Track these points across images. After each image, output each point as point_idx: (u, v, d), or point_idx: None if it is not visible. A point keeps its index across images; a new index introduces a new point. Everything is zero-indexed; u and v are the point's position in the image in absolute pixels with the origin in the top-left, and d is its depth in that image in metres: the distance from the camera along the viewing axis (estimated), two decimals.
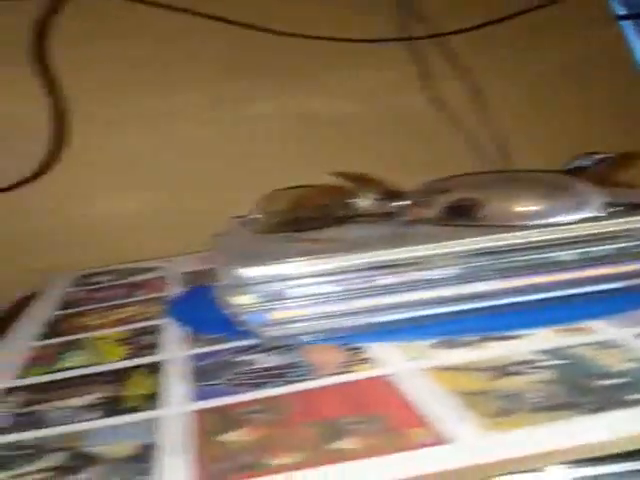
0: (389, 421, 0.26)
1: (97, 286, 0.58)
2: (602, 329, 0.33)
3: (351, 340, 0.35)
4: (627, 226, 0.38)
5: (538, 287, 0.37)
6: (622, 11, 0.83)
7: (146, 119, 0.71)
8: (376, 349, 0.34)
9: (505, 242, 0.36)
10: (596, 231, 0.38)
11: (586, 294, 0.37)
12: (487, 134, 0.76)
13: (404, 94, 0.76)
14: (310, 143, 0.75)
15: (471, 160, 0.76)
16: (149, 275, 0.59)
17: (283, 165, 0.71)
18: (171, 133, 0.72)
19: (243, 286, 0.36)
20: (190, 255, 0.65)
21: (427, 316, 0.36)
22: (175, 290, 0.52)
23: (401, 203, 0.42)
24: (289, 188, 0.48)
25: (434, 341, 0.34)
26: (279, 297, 0.36)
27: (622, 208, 0.39)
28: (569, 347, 0.31)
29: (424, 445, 0.24)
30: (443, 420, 0.26)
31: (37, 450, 0.28)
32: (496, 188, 0.41)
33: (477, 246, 0.36)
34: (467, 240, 0.36)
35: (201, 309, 0.45)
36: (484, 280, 0.36)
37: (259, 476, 0.24)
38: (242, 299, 0.35)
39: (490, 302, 0.36)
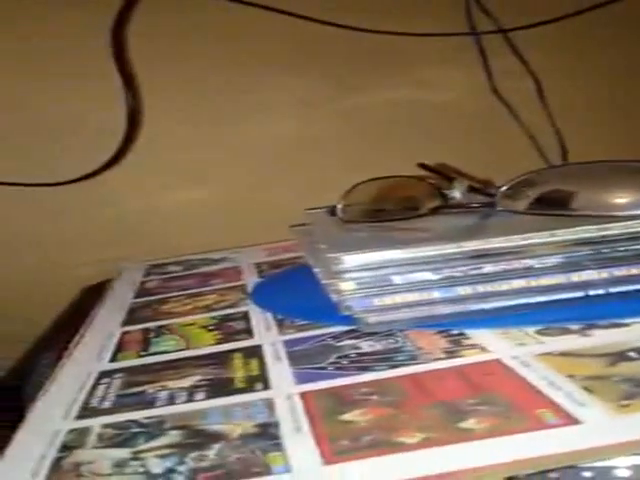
0: (513, 402, 0.26)
1: (170, 275, 0.58)
2: None
3: (452, 326, 0.35)
4: None
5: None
6: None
7: (219, 115, 0.72)
8: (479, 336, 0.34)
9: (607, 232, 0.36)
10: None
11: None
12: (549, 132, 0.76)
13: (471, 90, 0.75)
14: (368, 141, 0.75)
15: (534, 158, 0.75)
16: (221, 265, 0.60)
17: (350, 163, 0.71)
18: (242, 129, 0.72)
19: (346, 272, 0.36)
20: (256, 247, 0.65)
21: (528, 304, 0.35)
22: (251, 279, 0.52)
23: (493, 193, 0.42)
24: (376, 178, 0.48)
25: (536, 329, 0.34)
26: (382, 284, 0.36)
27: None
28: None
29: (554, 425, 0.24)
30: (568, 402, 0.25)
31: (154, 428, 0.28)
32: (590, 178, 0.41)
33: (580, 236, 0.36)
34: (569, 230, 0.36)
35: (286, 296, 0.45)
36: (585, 269, 0.36)
37: (389, 453, 0.23)
38: (345, 285, 0.35)
39: (591, 291, 0.36)
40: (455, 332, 0.34)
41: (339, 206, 0.48)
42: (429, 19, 0.73)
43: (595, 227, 0.36)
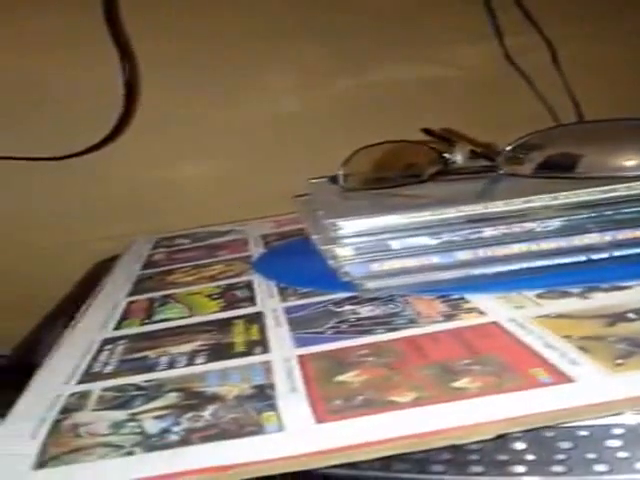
0: (507, 362, 0.26)
1: (177, 248, 0.59)
2: None
3: (452, 291, 0.35)
4: None
5: None
6: None
7: (221, 89, 0.71)
8: (479, 300, 0.34)
9: (611, 194, 0.35)
10: None
11: None
12: (566, 100, 0.75)
13: (484, 60, 0.75)
14: (392, 108, 0.74)
15: (548, 120, 0.74)
16: (228, 237, 0.60)
17: (361, 129, 0.71)
18: (246, 101, 0.72)
19: (343, 238, 0.36)
20: (263, 219, 0.65)
21: (529, 268, 0.35)
22: (257, 250, 0.53)
23: (496, 158, 0.42)
24: (376, 144, 0.47)
25: (537, 292, 0.33)
26: (380, 249, 0.36)
27: None
28: None
29: (547, 384, 0.24)
30: (563, 361, 0.25)
31: (152, 391, 0.28)
32: (595, 140, 0.40)
33: (583, 198, 0.35)
34: (571, 192, 0.35)
35: (289, 265, 0.45)
36: (587, 233, 0.36)
37: (381, 412, 0.24)
38: (343, 251, 0.35)
39: (593, 255, 0.35)
40: (455, 296, 0.34)
41: (339, 174, 0.48)
42: None
43: (598, 189, 0.36)
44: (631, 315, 0.29)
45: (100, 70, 0.67)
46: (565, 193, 0.36)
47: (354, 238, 0.36)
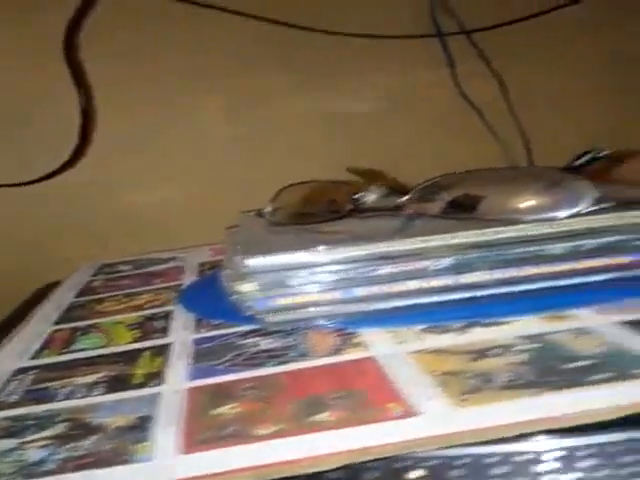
0: (369, 397, 0.28)
1: (117, 275, 0.60)
2: (585, 317, 0.35)
3: (347, 326, 0.37)
4: (616, 222, 0.39)
5: (529, 278, 0.38)
6: None
7: (172, 115, 0.74)
8: (370, 334, 0.36)
9: (501, 236, 0.38)
10: (587, 226, 0.39)
11: (575, 285, 0.39)
12: (511, 129, 0.77)
13: (430, 90, 0.77)
14: (329, 140, 0.77)
15: (498, 155, 0.77)
16: (167, 265, 0.62)
17: (301, 161, 0.73)
18: (194, 129, 0.74)
19: (247, 274, 0.38)
20: (207, 246, 0.67)
21: (421, 304, 0.38)
22: (190, 279, 0.54)
23: (406, 198, 0.44)
24: (303, 183, 0.50)
25: (425, 327, 0.36)
26: (280, 285, 0.38)
27: (613, 204, 0.40)
28: (549, 333, 0.33)
29: (396, 417, 0.26)
30: (416, 396, 0.28)
31: (44, 421, 0.30)
32: (495, 184, 0.43)
33: (474, 239, 0.38)
34: (461, 233, 0.38)
35: (209, 297, 0.47)
36: (477, 271, 0.38)
37: (243, 443, 0.26)
38: (247, 287, 0.38)
39: (481, 292, 0.38)
40: (349, 331, 0.37)
41: (267, 209, 0.50)
42: (392, 21, 0.75)
43: (491, 230, 0.38)
44: (496, 351, 0.31)
45: (58, 97, 0.69)
46: (460, 233, 0.38)
47: (260, 274, 0.38)
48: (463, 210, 0.42)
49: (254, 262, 0.38)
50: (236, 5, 0.71)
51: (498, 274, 0.38)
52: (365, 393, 0.29)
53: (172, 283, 0.54)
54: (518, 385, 0.28)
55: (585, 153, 0.45)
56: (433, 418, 0.26)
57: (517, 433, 0.25)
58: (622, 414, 0.25)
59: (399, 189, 0.48)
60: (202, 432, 0.27)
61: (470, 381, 0.28)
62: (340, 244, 0.38)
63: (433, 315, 0.37)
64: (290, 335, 0.37)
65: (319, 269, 0.38)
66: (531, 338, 0.33)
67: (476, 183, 0.44)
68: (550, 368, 0.29)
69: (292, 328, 0.38)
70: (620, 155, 0.51)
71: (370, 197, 0.47)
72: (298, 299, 0.38)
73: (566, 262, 0.39)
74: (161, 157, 0.74)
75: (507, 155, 0.77)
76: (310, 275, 0.38)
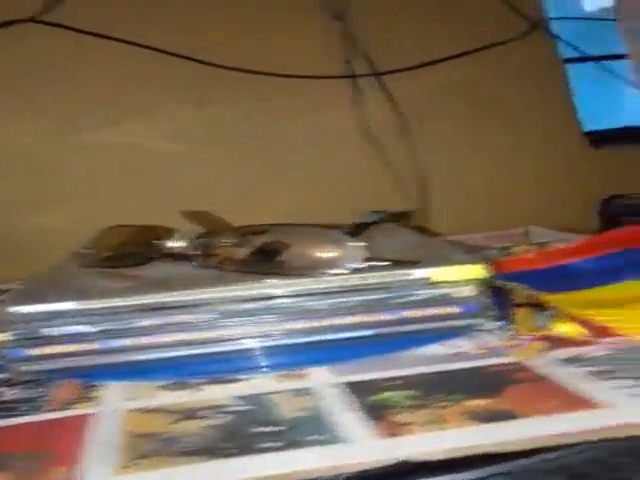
0: (50, 459, 0.28)
1: None
2: (316, 376, 0.36)
3: (91, 379, 0.37)
4: (380, 279, 0.40)
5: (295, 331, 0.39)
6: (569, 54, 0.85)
7: (78, 138, 0.75)
8: (110, 388, 0.36)
9: (273, 290, 0.39)
10: (348, 283, 0.40)
11: (336, 340, 0.39)
12: (410, 171, 0.79)
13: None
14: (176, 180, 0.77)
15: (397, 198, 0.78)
16: None
17: (125, 201, 0.74)
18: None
19: (4, 323, 0.38)
20: None
21: (169, 358, 0.38)
22: None
23: (186, 245, 0.45)
24: (121, 226, 0.51)
25: (166, 382, 0.36)
26: (39, 334, 0.38)
27: (381, 263, 0.41)
28: (268, 393, 0.34)
29: None
30: (95, 460, 0.28)
31: None
32: (293, 239, 0.44)
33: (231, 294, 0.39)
34: (234, 287, 0.39)
35: None
36: (241, 325, 0.39)
37: None
38: (1, 336, 0.38)
39: (242, 345, 0.39)
40: (96, 383, 0.37)
41: (80, 251, 0.50)
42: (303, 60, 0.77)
43: (258, 285, 0.39)
44: (204, 412, 0.32)
45: None
46: (230, 287, 0.39)
47: (18, 323, 0.38)
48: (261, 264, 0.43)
49: (13, 311, 0.38)
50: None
51: (264, 327, 0.39)
52: (54, 455, 0.29)
53: None
54: (191, 451, 0.28)
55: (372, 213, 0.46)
56: None
57: None
58: None
59: (206, 234, 0.49)
60: None
61: (153, 445, 0.29)
62: (95, 296, 0.38)
63: (175, 371, 0.37)
64: (40, 386, 0.37)
65: (74, 319, 0.38)
66: (248, 398, 0.33)
67: (273, 237, 0.45)
68: (236, 433, 0.29)
69: (40, 379, 0.38)
70: (396, 215, 0.52)
71: (175, 243, 0.47)
72: (52, 349, 0.38)
73: (325, 318, 0.39)
74: (66, 179, 0.75)
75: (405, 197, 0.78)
76: (65, 326, 0.38)
